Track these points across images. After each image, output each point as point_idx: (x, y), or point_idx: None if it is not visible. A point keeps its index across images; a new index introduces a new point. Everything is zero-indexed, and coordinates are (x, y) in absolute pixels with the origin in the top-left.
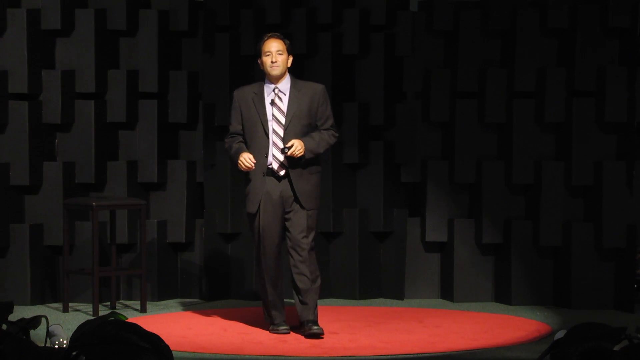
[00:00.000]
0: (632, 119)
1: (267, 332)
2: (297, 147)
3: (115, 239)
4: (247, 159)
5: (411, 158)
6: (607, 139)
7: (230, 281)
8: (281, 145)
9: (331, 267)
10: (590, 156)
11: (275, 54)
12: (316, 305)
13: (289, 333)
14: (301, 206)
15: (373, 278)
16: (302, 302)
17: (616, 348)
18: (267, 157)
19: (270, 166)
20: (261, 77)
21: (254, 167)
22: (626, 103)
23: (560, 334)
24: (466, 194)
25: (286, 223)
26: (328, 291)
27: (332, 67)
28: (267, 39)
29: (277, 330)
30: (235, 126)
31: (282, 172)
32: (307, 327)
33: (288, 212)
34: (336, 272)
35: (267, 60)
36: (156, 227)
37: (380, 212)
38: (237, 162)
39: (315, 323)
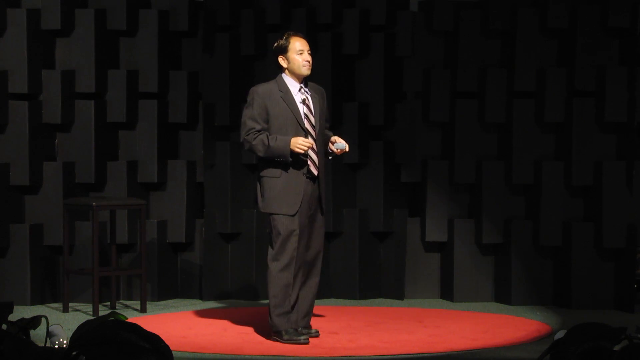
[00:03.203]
0: (632, 119)
1: (267, 332)
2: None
3: (115, 239)
4: (305, 141)
5: (411, 158)
6: (607, 139)
7: (230, 281)
8: (314, 145)
9: (331, 267)
10: (590, 156)
11: (307, 53)
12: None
13: (308, 343)
14: (321, 209)
15: (373, 278)
16: (305, 308)
17: (616, 348)
18: (307, 156)
19: (307, 166)
20: (264, 76)
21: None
22: (626, 103)
23: (560, 334)
24: (466, 194)
25: (309, 223)
26: (328, 291)
27: (332, 67)
28: (295, 36)
29: (299, 340)
30: (260, 124)
31: (316, 173)
32: (300, 331)
33: (312, 213)
34: (336, 272)
35: (299, 58)
36: (156, 227)
37: (380, 212)
38: (285, 152)
39: (307, 327)
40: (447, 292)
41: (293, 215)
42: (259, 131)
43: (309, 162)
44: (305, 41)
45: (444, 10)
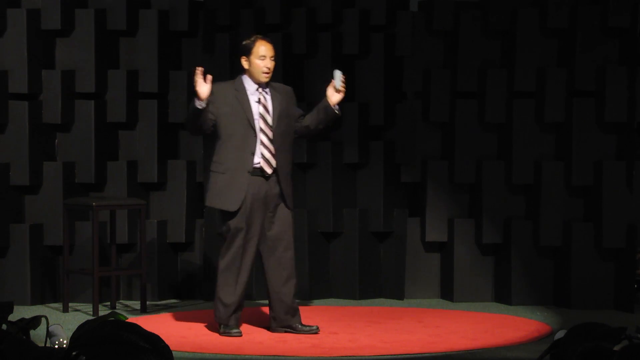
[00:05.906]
0: (632, 119)
1: (267, 332)
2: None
3: (115, 239)
4: (197, 73)
5: (411, 158)
6: (607, 139)
7: None
8: (269, 144)
9: (331, 267)
10: (590, 156)
11: (269, 59)
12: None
13: (241, 336)
14: (286, 205)
15: (373, 278)
16: (286, 304)
17: (616, 348)
18: (254, 155)
19: (257, 165)
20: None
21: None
22: (626, 103)
23: (560, 334)
24: (466, 194)
25: (270, 221)
26: (328, 291)
27: (332, 67)
28: (261, 41)
29: (230, 333)
30: None
31: (270, 171)
32: (301, 329)
33: (272, 211)
34: (336, 272)
35: (260, 64)
36: (156, 227)
37: (380, 212)
38: (194, 102)
39: (302, 324)
40: (447, 292)
41: (236, 212)
42: None
43: (261, 161)
44: (269, 46)
45: (444, 10)
